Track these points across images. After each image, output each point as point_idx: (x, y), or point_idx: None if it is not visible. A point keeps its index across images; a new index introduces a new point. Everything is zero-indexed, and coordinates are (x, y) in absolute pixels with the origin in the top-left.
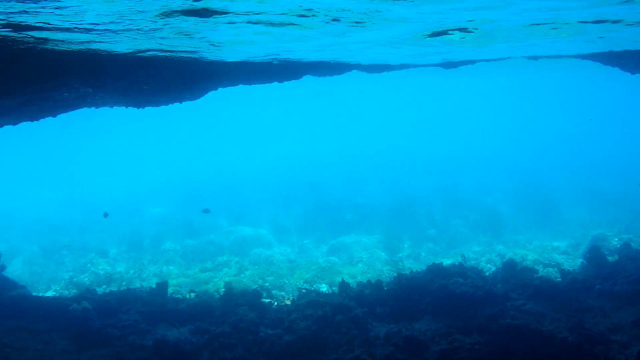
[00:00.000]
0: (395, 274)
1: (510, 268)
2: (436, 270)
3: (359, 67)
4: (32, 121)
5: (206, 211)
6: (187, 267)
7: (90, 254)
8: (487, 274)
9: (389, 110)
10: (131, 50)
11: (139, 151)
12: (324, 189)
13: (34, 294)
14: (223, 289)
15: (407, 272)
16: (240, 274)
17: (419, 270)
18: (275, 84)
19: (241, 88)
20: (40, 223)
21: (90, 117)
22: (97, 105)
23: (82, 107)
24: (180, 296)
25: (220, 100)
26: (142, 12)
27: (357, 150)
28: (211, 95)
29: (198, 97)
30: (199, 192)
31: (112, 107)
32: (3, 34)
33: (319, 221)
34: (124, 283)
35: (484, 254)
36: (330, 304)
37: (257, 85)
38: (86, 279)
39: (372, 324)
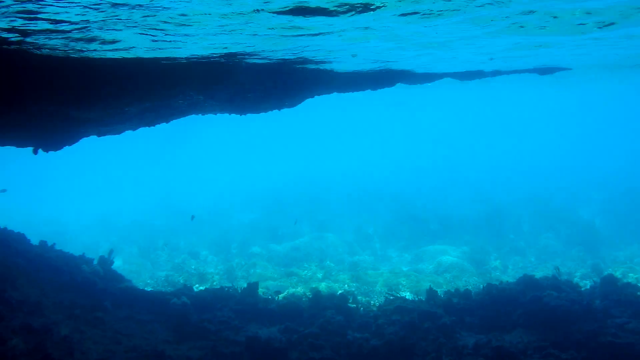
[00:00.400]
0: (482, 285)
1: (610, 284)
2: (528, 282)
3: (452, 74)
4: (149, 126)
5: (296, 222)
6: (273, 270)
7: (182, 255)
8: (582, 289)
9: (473, 119)
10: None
11: (226, 159)
12: (407, 198)
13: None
14: (310, 293)
15: (497, 282)
16: (325, 279)
17: (509, 282)
18: (359, 92)
19: (326, 97)
20: (137, 225)
21: (183, 125)
22: (205, 112)
23: (192, 114)
24: (269, 297)
25: (306, 110)
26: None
27: (441, 160)
28: (304, 104)
29: (296, 105)
30: (283, 199)
31: (215, 114)
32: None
33: (402, 230)
34: (214, 283)
35: (578, 269)
36: (418, 310)
37: (347, 93)
38: (180, 277)
39: (460, 333)
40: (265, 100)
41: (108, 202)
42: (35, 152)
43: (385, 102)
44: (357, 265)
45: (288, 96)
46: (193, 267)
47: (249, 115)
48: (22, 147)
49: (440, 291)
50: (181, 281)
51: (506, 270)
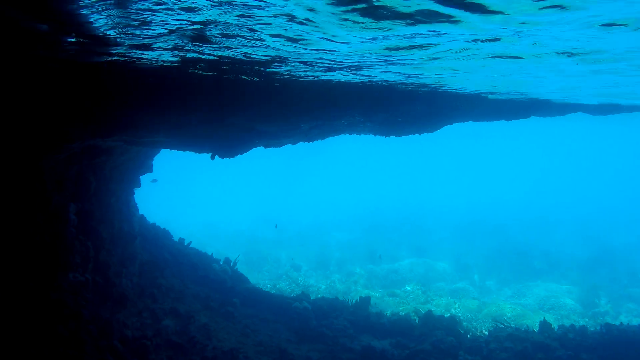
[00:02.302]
0: (592, 328)
1: None
2: None
3: (585, 108)
4: (308, 142)
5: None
6: (372, 289)
7: (285, 267)
8: None
9: (583, 155)
10: (412, 85)
11: (328, 178)
12: (508, 231)
13: None
14: (417, 313)
15: (617, 323)
16: (427, 302)
17: (630, 324)
18: (487, 122)
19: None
20: (240, 234)
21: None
22: (357, 133)
23: (345, 133)
24: (379, 312)
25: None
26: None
27: (545, 195)
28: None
29: (435, 131)
30: (382, 222)
31: (359, 135)
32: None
33: (502, 263)
34: (319, 295)
35: None
36: (531, 340)
37: (481, 122)
38: (286, 286)
39: None
40: (411, 124)
41: (214, 211)
42: (212, 157)
43: (494, 134)
44: (457, 293)
45: (431, 122)
46: (300, 279)
47: (362, 136)
48: (201, 152)
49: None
50: (288, 290)
51: (618, 316)
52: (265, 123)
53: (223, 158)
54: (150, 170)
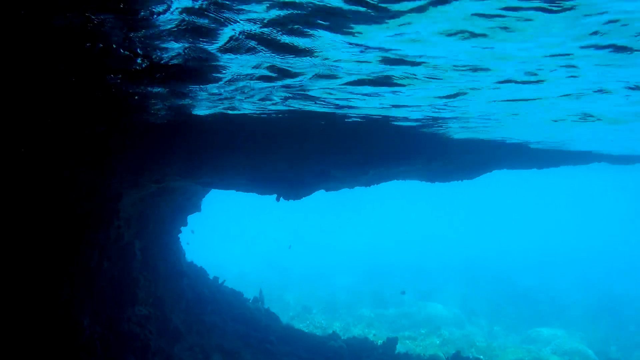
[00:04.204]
0: None
1: None
2: None
3: (606, 157)
4: (364, 187)
5: (403, 292)
6: (386, 332)
7: (295, 309)
8: None
9: (587, 202)
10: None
11: (331, 222)
12: (512, 276)
13: None
14: (443, 354)
15: None
16: (444, 346)
17: None
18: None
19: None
20: (244, 277)
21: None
22: (409, 179)
23: (395, 179)
24: (404, 351)
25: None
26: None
27: (550, 241)
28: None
29: (474, 178)
30: (385, 266)
31: (404, 179)
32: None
33: (507, 308)
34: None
35: None
36: None
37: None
38: (304, 327)
39: None
40: (457, 172)
41: (217, 254)
42: (277, 199)
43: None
44: (469, 338)
45: (474, 170)
46: (317, 320)
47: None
48: (265, 194)
49: None
50: (306, 330)
51: None
52: (341, 168)
53: (288, 200)
54: (199, 210)
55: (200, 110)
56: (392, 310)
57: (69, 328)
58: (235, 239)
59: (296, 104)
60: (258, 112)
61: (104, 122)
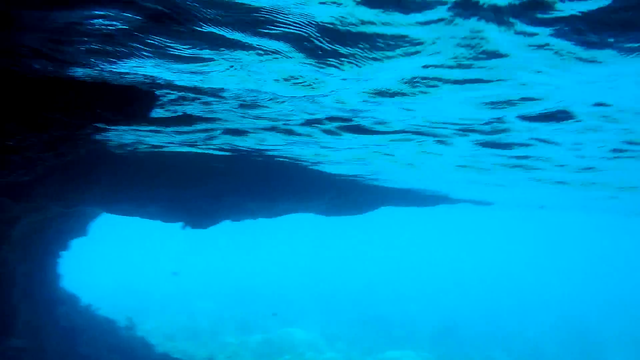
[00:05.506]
0: None
1: None
2: None
3: (470, 201)
4: (265, 218)
5: (274, 314)
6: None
7: (158, 338)
8: None
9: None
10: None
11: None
12: (373, 303)
13: None
14: None
15: None
16: None
17: None
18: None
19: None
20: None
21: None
22: (306, 211)
23: (295, 212)
24: None
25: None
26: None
27: (406, 271)
28: None
29: (365, 212)
30: (249, 292)
31: (300, 213)
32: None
33: (366, 333)
34: None
35: None
36: None
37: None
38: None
39: None
40: (345, 209)
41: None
42: (183, 227)
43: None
44: None
45: (365, 206)
46: (180, 349)
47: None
48: (170, 222)
49: None
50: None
51: None
52: (257, 201)
53: (194, 228)
54: (85, 235)
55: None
56: (257, 336)
57: None
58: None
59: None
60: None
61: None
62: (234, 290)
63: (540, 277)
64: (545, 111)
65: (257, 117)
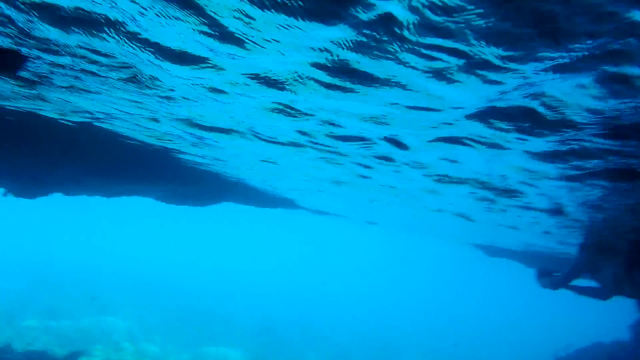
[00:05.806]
0: None
1: None
2: None
3: (308, 209)
4: (105, 197)
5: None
6: (58, 348)
7: None
8: None
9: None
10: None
11: None
12: (194, 298)
13: None
14: None
15: None
16: None
17: None
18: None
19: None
20: None
21: None
22: (146, 195)
23: (140, 196)
24: None
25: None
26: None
27: (228, 268)
28: None
29: (209, 205)
30: (58, 276)
31: (144, 197)
32: None
33: (184, 327)
34: None
35: None
36: None
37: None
38: None
39: None
40: (198, 198)
41: None
42: (5, 194)
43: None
44: (143, 353)
45: (212, 198)
46: None
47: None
48: None
49: None
50: None
51: None
52: (94, 177)
53: (17, 197)
54: None
55: None
56: (66, 322)
57: None
58: None
59: None
60: None
61: None
62: (44, 270)
63: (353, 287)
64: None
65: None
